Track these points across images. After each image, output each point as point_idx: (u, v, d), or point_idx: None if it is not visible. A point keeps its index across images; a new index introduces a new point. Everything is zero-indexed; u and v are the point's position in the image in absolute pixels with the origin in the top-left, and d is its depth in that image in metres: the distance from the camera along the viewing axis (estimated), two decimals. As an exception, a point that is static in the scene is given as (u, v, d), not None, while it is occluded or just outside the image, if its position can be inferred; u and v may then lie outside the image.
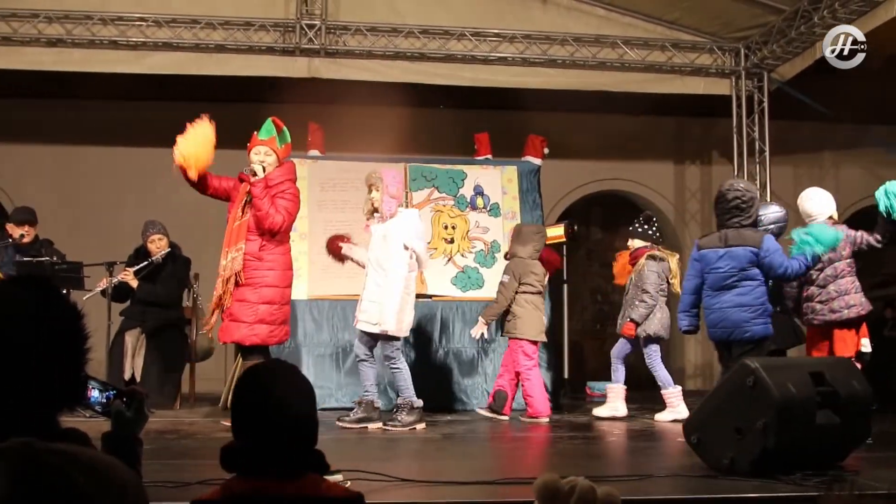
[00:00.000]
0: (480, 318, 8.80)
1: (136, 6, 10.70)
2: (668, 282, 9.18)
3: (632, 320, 8.99)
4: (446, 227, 10.35)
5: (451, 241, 10.31)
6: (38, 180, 12.55)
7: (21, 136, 12.88)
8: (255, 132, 7.77)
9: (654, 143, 14.21)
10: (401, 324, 7.82)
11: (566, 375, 11.98)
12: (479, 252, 10.37)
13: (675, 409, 8.86)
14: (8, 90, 12.33)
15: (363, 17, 11.09)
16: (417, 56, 11.29)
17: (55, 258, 9.12)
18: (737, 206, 6.89)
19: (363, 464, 5.25)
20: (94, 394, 2.37)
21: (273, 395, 2.55)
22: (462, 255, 10.39)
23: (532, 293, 8.76)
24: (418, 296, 9.86)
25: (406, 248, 7.82)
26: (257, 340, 7.51)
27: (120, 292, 9.34)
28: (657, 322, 9.04)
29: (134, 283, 9.37)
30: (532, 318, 8.73)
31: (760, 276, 6.88)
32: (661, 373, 9.09)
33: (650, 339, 9.10)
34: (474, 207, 10.53)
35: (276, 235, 7.60)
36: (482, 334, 8.81)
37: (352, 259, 8.44)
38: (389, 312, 7.72)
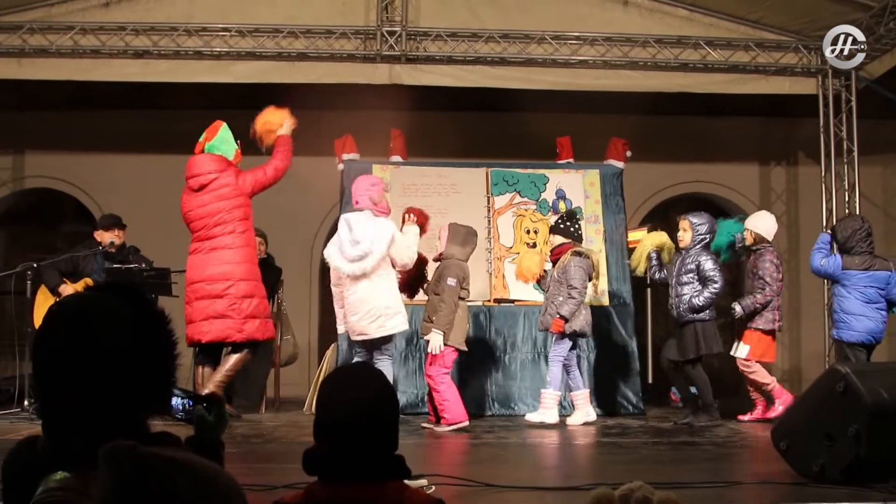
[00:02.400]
0: (434, 331, 8.21)
1: (219, 17, 10.84)
2: (590, 279, 8.90)
3: (561, 316, 8.63)
4: (528, 232, 10.32)
5: (534, 246, 10.27)
6: (125, 189, 12.80)
7: (109, 145, 13.15)
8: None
9: (738, 144, 13.97)
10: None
11: (650, 380, 11.86)
12: (561, 256, 10.29)
13: (548, 410, 8.65)
14: (96, 101, 12.61)
15: (443, 23, 11.09)
16: (497, 60, 11.25)
17: (143, 265, 9.27)
18: (871, 233, 8.60)
19: (447, 469, 5.26)
20: (174, 400, 2.41)
21: (351, 399, 2.55)
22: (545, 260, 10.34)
23: (464, 299, 8.47)
24: (500, 300, 9.89)
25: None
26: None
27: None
28: (582, 319, 8.75)
29: None
30: (461, 324, 8.40)
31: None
32: (555, 371, 8.77)
33: (574, 335, 8.78)
34: (556, 212, 10.47)
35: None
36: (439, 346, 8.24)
37: None
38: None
